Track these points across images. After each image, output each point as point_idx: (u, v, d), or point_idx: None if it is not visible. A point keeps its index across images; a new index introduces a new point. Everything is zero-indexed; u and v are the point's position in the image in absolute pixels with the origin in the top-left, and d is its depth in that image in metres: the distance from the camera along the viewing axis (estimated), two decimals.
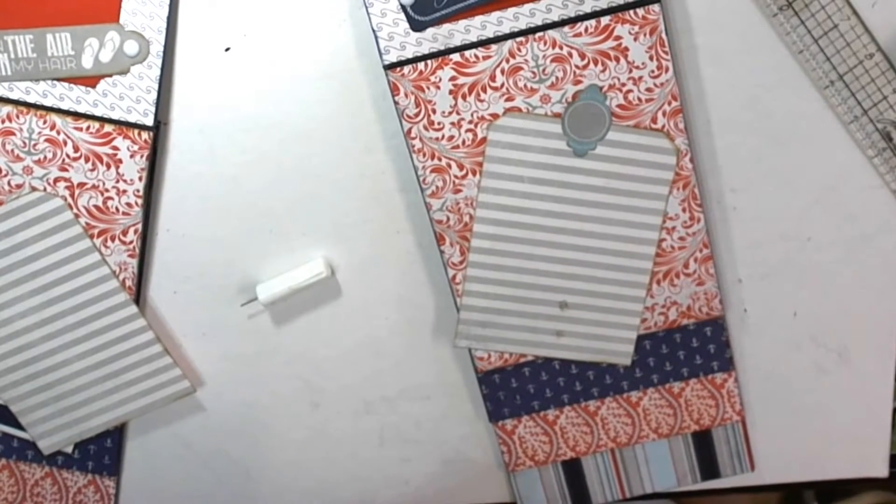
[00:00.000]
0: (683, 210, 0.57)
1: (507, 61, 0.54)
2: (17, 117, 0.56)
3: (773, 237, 0.59)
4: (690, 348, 0.60)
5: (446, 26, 0.54)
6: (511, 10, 0.53)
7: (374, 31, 0.54)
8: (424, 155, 0.56)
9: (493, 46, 0.54)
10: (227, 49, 0.56)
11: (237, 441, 0.65)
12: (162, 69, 0.55)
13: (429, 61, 0.54)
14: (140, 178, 0.57)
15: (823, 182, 0.58)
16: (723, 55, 0.56)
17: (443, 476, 0.66)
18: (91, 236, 0.58)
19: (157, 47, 0.54)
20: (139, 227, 0.58)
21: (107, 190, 0.57)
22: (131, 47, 0.54)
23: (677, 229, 0.58)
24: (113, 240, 0.58)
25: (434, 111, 0.55)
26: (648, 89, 0.55)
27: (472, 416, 0.64)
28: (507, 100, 0.55)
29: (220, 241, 0.60)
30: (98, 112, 0.56)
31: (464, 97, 0.55)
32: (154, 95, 0.55)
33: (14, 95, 0.55)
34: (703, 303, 0.59)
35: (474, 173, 0.56)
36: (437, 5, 0.53)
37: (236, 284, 0.61)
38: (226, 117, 0.57)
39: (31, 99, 0.55)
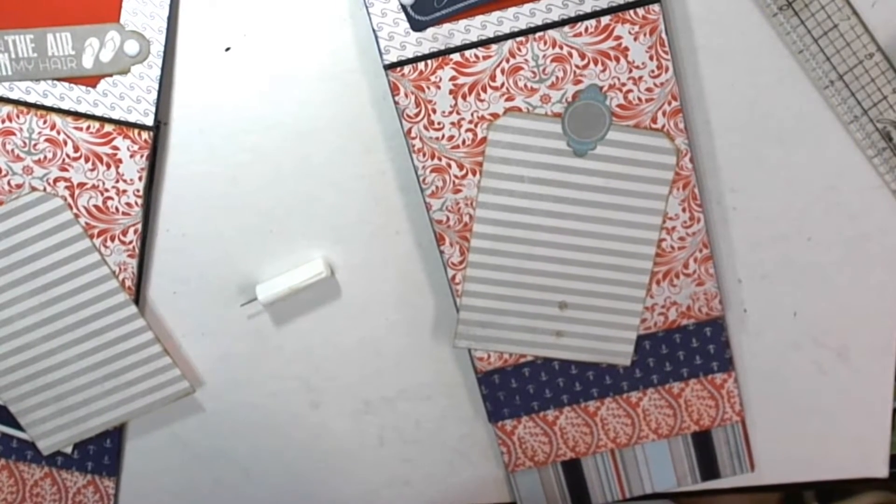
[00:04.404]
0: (683, 210, 0.57)
1: (508, 61, 0.54)
2: (18, 117, 0.56)
3: (773, 237, 0.59)
4: (690, 349, 0.60)
5: (446, 26, 0.54)
6: (511, 10, 0.53)
7: (374, 30, 0.54)
8: (424, 155, 0.56)
9: (494, 46, 0.54)
10: (227, 49, 0.56)
11: (237, 441, 0.65)
12: (162, 69, 0.55)
13: (429, 61, 0.54)
14: (140, 178, 0.57)
15: (823, 182, 0.58)
16: (723, 55, 0.56)
17: (443, 476, 0.66)
18: (91, 236, 0.58)
19: (157, 47, 0.54)
20: (139, 227, 0.58)
21: (106, 190, 0.57)
22: (132, 47, 0.54)
23: (677, 229, 0.58)
24: (112, 240, 0.58)
25: (434, 111, 0.55)
26: (648, 89, 0.55)
27: (472, 416, 0.64)
28: (507, 99, 0.55)
29: (220, 241, 0.60)
30: (98, 112, 0.56)
31: (464, 97, 0.55)
32: (154, 95, 0.55)
33: (14, 95, 0.55)
34: (702, 303, 0.59)
35: (474, 173, 0.56)
36: (437, 5, 0.53)
37: (236, 284, 0.61)
38: (226, 117, 0.57)
39: (31, 99, 0.55)
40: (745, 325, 0.61)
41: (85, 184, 0.57)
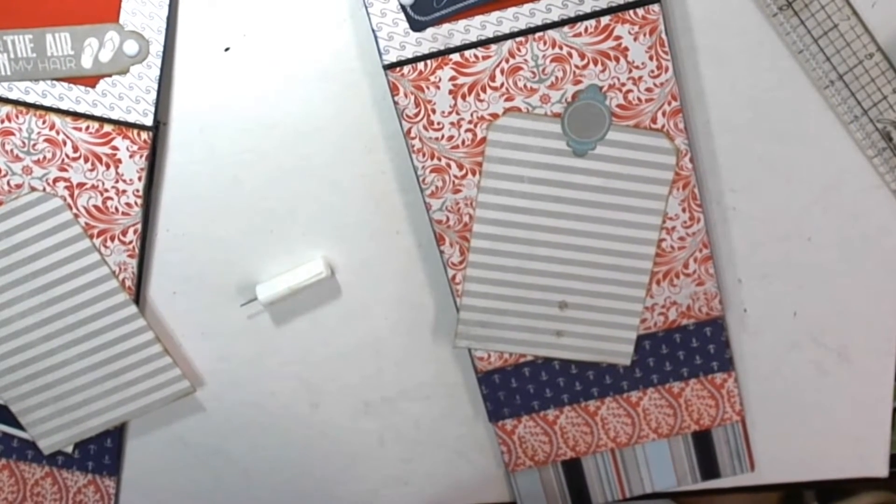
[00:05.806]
0: (683, 210, 0.57)
1: (507, 61, 0.54)
2: (17, 117, 0.56)
3: (773, 237, 0.59)
4: (690, 348, 0.60)
5: (446, 26, 0.54)
6: (511, 10, 0.53)
7: (373, 31, 0.54)
8: (424, 155, 0.56)
9: (493, 46, 0.54)
10: (227, 49, 0.56)
11: (237, 441, 0.65)
12: (161, 69, 0.55)
13: (428, 61, 0.54)
14: (139, 178, 0.57)
15: (823, 182, 0.58)
16: (723, 55, 0.55)
17: (443, 476, 0.66)
18: (90, 236, 0.58)
19: (156, 47, 0.54)
20: (138, 227, 0.58)
21: (106, 190, 0.57)
22: (131, 47, 0.54)
23: (677, 229, 0.58)
24: (112, 240, 0.58)
25: (434, 111, 0.55)
26: (648, 89, 0.55)
27: (472, 416, 0.64)
28: (506, 100, 0.55)
29: (220, 241, 0.60)
30: (97, 112, 0.55)
31: (463, 97, 0.55)
32: (153, 95, 0.55)
33: (13, 95, 0.55)
34: (702, 303, 0.59)
35: (474, 173, 0.56)
36: (436, 5, 0.53)
37: (236, 284, 0.61)
38: (226, 117, 0.57)
39: (30, 99, 0.55)
40: (745, 325, 0.61)
41: (84, 184, 0.57)
